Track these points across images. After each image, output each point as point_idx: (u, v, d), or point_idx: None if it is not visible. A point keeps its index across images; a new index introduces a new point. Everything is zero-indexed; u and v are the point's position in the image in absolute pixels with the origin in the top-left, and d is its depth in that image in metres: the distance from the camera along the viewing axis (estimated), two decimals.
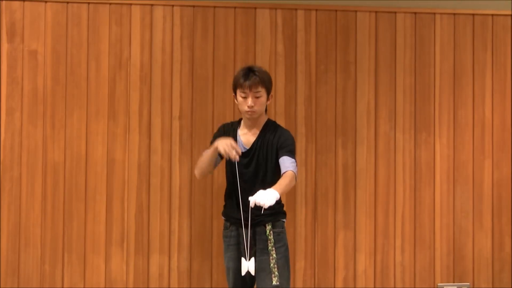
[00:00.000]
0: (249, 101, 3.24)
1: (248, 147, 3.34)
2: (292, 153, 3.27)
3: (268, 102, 3.36)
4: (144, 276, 3.99)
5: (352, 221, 4.14)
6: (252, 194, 3.05)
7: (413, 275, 4.18)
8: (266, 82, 3.29)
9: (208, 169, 3.39)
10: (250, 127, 3.36)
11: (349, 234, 4.14)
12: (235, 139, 3.35)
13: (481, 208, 4.24)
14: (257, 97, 3.25)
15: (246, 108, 3.27)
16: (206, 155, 3.33)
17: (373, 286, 4.14)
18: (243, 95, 3.27)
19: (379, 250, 4.16)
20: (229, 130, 3.42)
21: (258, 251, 3.28)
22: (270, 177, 3.29)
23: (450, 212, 4.21)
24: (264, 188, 3.07)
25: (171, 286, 4.00)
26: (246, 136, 3.36)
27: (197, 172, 3.44)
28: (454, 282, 4.19)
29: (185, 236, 4.02)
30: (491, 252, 4.23)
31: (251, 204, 3.03)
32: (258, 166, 3.31)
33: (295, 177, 3.22)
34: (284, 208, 3.45)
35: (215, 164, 3.41)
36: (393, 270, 4.16)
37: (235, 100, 3.36)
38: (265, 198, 2.99)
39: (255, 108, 3.26)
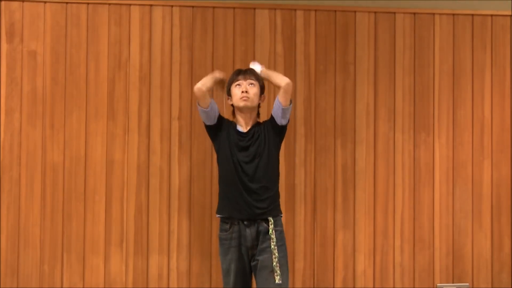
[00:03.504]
0: (243, 87, 3.34)
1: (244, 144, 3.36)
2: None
3: (261, 101, 3.42)
4: (143, 277, 3.99)
5: (351, 222, 4.15)
6: (253, 189, 3.28)
7: (412, 276, 4.18)
8: (259, 78, 3.43)
9: (209, 84, 3.43)
10: (242, 126, 3.39)
11: (349, 235, 4.14)
12: (233, 133, 3.38)
13: (480, 208, 4.24)
14: (251, 85, 3.35)
15: (240, 95, 3.33)
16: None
17: (372, 287, 4.14)
18: (237, 83, 3.36)
19: (378, 250, 4.16)
20: (229, 124, 3.45)
21: (261, 250, 3.28)
22: (271, 170, 3.35)
23: (449, 212, 4.21)
24: (267, 184, 3.30)
25: (170, 287, 4.00)
26: (245, 128, 3.41)
27: (199, 84, 3.39)
28: (453, 283, 4.19)
29: (185, 237, 4.02)
30: (490, 252, 4.23)
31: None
32: (262, 155, 3.32)
33: (290, 85, 3.34)
34: (283, 208, 3.48)
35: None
36: (392, 270, 4.16)
37: (228, 101, 3.43)
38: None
39: (249, 94, 3.33)
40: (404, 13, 4.23)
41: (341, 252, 4.13)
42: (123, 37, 4.04)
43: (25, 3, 3.99)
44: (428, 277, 4.19)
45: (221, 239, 3.41)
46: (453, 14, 4.27)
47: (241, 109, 3.37)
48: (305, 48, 4.15)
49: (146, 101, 4.04)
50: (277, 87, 3.41)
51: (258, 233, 3.29)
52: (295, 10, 4.15)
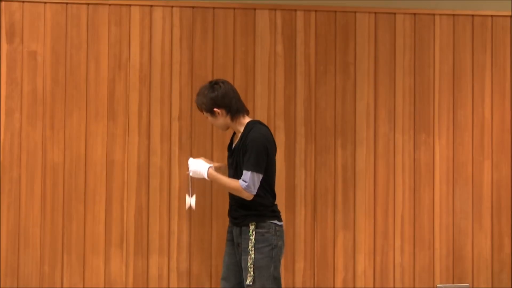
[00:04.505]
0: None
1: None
2: (249, 166, 3.30)
3: (222, 116, 3.40)
4: (143, 277, 3.99)
5: (351, 222, 4.15)
6: (234, 197, 3.39)
7: (412, 276, 4.18)
8: (203, 105, 3.41)
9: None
10: (236, 131, 3.49)
11: (349, 235, 4.14)
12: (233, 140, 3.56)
13: (480, 209, 4.24)
14: (208, 117, 3.46)
15: None
16: None
17: (372, 287, 4.14)
18: None
19: (378, 250, 4.16)
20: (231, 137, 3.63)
21: (243, 250, 3.35)
22: None
23: (450, 212, 4.21)
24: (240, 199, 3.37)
25: (170, 287, 4.00)
26: (236, 139, 3.49)
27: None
28: (453, 283, 4.19)
29: (185, 237, 4.02)
30: (490, 253, 4.23)
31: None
32: (236, 169, 3.41)
33: (244, 189, 3.30)
34: (282, 208, 3.49)
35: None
36: (392, 271, 4.16)
37: None
38: (193, 166, 3.46)
39: (215, 124, 3.48)
40: (404, 13, 4.23)
41: (341, 252, 4.13)
42: (123, 37, 4.04)
43: (25, 4, 3.99)
44: (428, 277, 4.19)
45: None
46: (453, 15, 4.26)
47: None
48: (305, 49, 4.15)
49: (146, 102, 4.04)
50: None
51: (240, 232, 3.38)
52: (295, 10, 4.15)
